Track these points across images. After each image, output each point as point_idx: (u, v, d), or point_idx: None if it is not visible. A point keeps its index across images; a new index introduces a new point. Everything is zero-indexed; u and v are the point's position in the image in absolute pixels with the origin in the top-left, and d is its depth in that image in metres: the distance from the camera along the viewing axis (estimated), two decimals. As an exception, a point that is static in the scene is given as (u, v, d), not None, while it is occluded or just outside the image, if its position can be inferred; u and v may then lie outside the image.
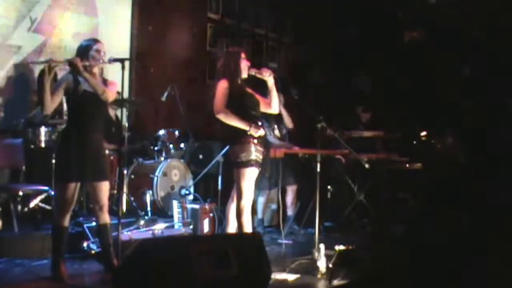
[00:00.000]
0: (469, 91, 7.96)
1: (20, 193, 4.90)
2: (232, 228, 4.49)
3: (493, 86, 7.71)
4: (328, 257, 4.26)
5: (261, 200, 6.22)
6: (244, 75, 4.48)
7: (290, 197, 6.37)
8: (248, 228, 4.33)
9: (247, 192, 4.32)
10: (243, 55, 4.52)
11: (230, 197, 4.55)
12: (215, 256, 3.36)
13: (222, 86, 4.37)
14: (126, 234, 4.74)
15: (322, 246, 4.33)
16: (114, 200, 5.63)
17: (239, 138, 4.32)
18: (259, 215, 6.27)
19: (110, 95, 4.07)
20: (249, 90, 4.52)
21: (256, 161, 4.34)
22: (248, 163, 4.30)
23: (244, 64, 4.49)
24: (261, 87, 4.59)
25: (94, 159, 4.07)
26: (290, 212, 6.41)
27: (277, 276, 4.16)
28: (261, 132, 4.35)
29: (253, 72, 4.49)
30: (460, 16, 8.15)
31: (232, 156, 4.37)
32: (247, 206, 4.34)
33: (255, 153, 4.33)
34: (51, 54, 5.64)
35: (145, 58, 7.01)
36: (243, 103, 4.41)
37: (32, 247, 4.61)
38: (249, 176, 4.32)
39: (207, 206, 5.57)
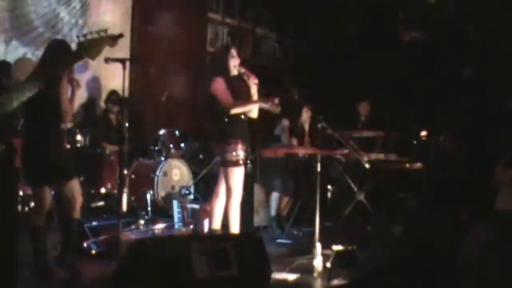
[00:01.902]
0: (469, 91, 7.96)
1: (20, 193, 4.89)
2: (216, 223, 4.52)
3: (493, 86, 7.71)
4: (327, 257, 4.26)
5: (275, 196, 6.32)
6: (234, 72, 4.49)
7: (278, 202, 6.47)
8: (235, 227, 4.35)
9: (236, 190, 4.36)
10: (233, 53, 4.51)
11: (214, 193, 4.58)
12: (215, 256, 3.37)
13: (220, 82, 4.37)
14: (126, 234, 4.74)
15: (318, 245, 4.34)
16: (115, 200, 5.64)
17: (227, 138, 4.37)
18: (273, 212, 6.38)
19: None
20: (242, 87, 4.54)
21: (244, 161, 4.39)
22: (236, 163, 4.34)
23: (234, 62, 4.49)
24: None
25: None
26: (284, 212, 6.47)
27: (277, 276, 4.16)
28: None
29: (242, 70, 4.51)
30: (460, 16, 8.15)
31: (220, 156, 4.42)
32: (236, 204, 4.37)
33: (242, 152, 4.37)
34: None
35: (145, 58, 7.01)
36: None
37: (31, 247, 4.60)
38: (238, 175, 4.36)
39: (207, 206, 5.57)
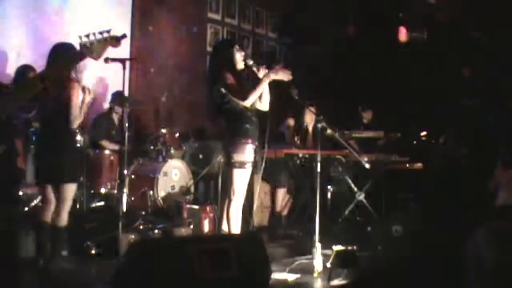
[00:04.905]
0: (469, 91, 7.96)
1: (20, 193, 4.90)
2: (237, 227, 4.46)
3: (493, 86, 7.72)
4: (326, 257, 4.26)
5: (281, 192, 6.39)
6: (240, 65, 4.40)
7: (282, 198, 6.46)
8: (236, 228, 4.32)
9: (239, 193, 4.30)
10: (237, 47, 4.43)
11: (227, 196, 4.52)
12: (215, 256, 3.36)
13: (229, 77, 4.26)
14: (126, 234, 4.74)
15: (318, 245, 4.33)
16: (115, 200, 5.64)
17: (237, 138, 4.29)
18: (278, 208, 6.46)
19: None
20: (251, 80, 4.45)
21: (252, 163, 4.32)
22: (243, 164, 4.28)
23: (240, 55, 4.41)
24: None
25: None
26: (284, 212, 6.48)
27: (277, 276, 4.16)
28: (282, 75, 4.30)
29: (250, 62, 4.43)
30: (460, 16, 8.15)
31: (227, 156, 4.35)
32: (238, 206, 4.32)
33: (251, 154, 4.30)
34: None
35: (145, 58, 7.01)
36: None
37: (31, 247, 4.60)
38: (243, 177, 4.31)
39: (207, 206, 5.57)
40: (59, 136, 4.15)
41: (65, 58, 3.64)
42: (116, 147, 6.02)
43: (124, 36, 3.02)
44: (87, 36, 2.87)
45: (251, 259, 3.55)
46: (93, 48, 2.87)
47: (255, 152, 4.36)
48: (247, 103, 4.28)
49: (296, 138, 6.68)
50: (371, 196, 6.64)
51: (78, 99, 4.11)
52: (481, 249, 3.70)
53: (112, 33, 2.89)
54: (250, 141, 4.28)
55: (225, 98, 4.29)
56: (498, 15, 7.53)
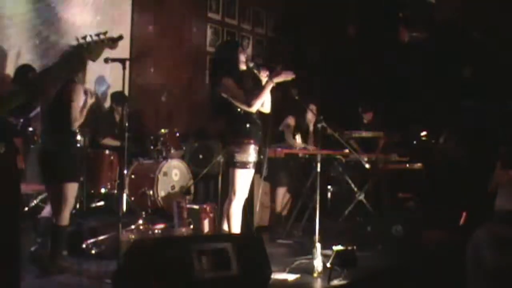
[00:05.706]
0: (469, 91, 7.96)
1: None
2: (237, 227, 4.46)
3: (493, 86, 7.72)
4: (326, 257, 4.26)
5: (281, 192, 6.40)
6: (243, 67, 4.39)
7: (283, 198, 6.47)
8: (236, 228, 4.31)
9: (240, 193, 4.29)
10: (240, 48, 4.43)
11: (228, 196, 4.51)
12: (215, 256, 3.37)
13: (230, 83, 4.26)
14: (126, 234, 4.74)
15: (318, 245, 4.33)
16: (115, 200, 5.64)
17: (240, 139, 4.29)
18: (278, 208, 6.45)
19: None
20: (252, 82, 4.44)
21: (254, 163, 4.31)
22: (245, 164, 4.27)
23: (243, 57, 4.40)
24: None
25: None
26: (284, 212, 6.48)
27: (277, 276, 4.16)
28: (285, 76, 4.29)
29: (251, 64, 4.42)
30: (460, 16, 8.16)
31: (230, 156, 4.33)
32: (239, 206, 4.31)
33: (253, 154, 4.30)
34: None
35: (145, 58, 7.02)
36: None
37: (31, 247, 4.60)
38: (245, 177, 4.30)
39: (207, 206, 5.57)
40: (60, 136, 4.17)
41: (67, 59, 3.66)
42: (117, 143, 6.01)
43: (120, 37, 3.02)
44: (84, 38, 2.87)
45: (251, 259, 3.55)
46: (90, 50, 2.87)
47: (258, 153, 4.35)
48: (252, 110, 4.28)
49: (297, 138, 6.67)
50: (371, 196, 6.65)
51: (79, 100, 4.14)
52: (481, 249, 3.70)
53: (109, 35, 2.89)
54: (252, 141, 4.28)
55: (226, 101, 4.30)
56: (498, 15, 7.54)
